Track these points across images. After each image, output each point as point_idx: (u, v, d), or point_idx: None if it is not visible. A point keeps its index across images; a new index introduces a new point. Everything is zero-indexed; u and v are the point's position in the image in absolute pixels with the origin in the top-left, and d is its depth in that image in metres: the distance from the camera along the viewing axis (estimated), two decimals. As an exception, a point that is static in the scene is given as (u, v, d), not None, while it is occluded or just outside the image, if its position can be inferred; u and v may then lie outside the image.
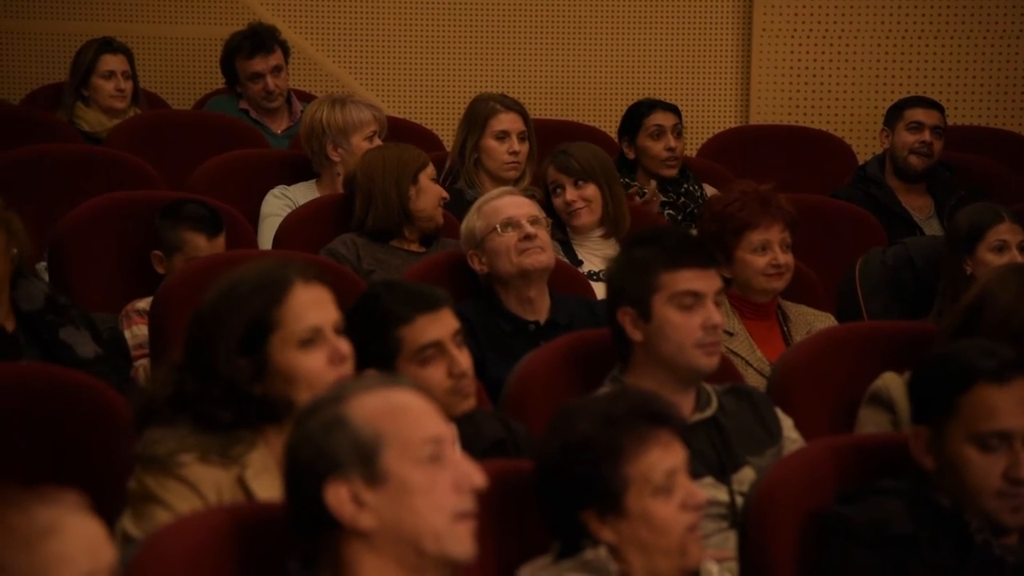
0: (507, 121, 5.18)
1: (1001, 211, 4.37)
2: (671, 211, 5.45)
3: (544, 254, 4.05)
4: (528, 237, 4.03)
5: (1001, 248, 4.29)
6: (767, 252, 4.12)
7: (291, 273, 2.66)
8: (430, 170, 4.64)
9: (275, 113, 6.13)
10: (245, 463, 2.59)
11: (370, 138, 5.08)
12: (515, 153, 5.15)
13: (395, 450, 2.22)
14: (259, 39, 6.05)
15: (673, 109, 5.67)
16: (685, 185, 5.56)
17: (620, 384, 3.21)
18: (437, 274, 4.16)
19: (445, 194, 4.67)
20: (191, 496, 2.55)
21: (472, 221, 4.14)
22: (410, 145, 4.77)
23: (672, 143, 5.56)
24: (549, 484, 2.56)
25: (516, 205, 4.11)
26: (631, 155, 5.59)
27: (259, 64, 6.04)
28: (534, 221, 4.08)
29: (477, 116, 5.19)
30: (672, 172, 5.54)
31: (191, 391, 2.61)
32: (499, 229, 4.05)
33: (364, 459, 2.21)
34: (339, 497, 2.21)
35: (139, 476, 2.59)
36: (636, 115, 5.63)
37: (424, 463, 2.22)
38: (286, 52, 6.12)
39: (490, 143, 5.15)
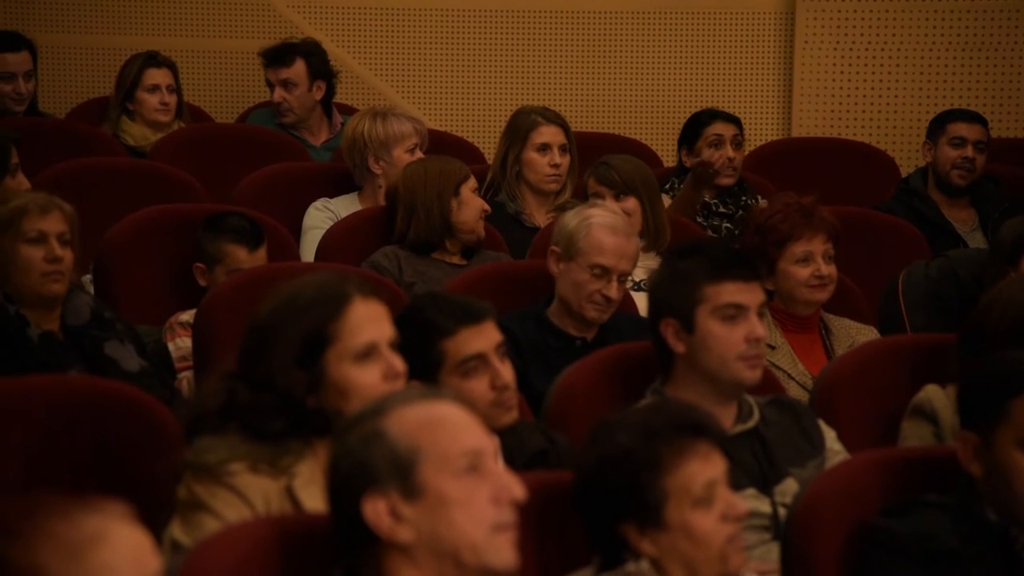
0: (548, 134, 5.19)
1: None
2: (729, 224, 5.45)
3: (610, 311, 4.02)
4: (607, 299, 3.99)
5: None
6: (810, 263, 4.11)
7: (350, 288, 2.68)
8: (472, 182, 4.65)
9: (312, 125, 6.15)
10: (294, 473, 2.61)
11: (411, 151, 5.10)
12: (556, 166, 5.16)
13: (432, 463, 2.23)
14: (277, 52, 6.09)
15: (734, 120, 5.68)
16: (744, 198, 5.56)
17: (661, 396, 3.21)
18: (480, 286, 4.16)
19: (487, 207, 4.67)
20: (240, 505, 2.56)
21: (578, 231, 4.03)
22: (452, 158, 4.78)
23: (731, 153, 5.57)
24: (588, 497, 2.55)
25: (619, 255, 4.00)
26: (688, 163, 5.60)
27: (271, 75, 6.09)
28: (623, 279, 4.04)
29: (519, 129, 5.20)
30: (730, 181, 5.55)
31: (243, 400, 2.63)
32: (589, 269, 3.99)
33: (401, 473, 2.22)
34: (377, 511, 2.23)
35: (189, 484, 2.61)
36: (697, 124, 5.65)
37: (462, 476, 2.23)
38: (314, 66, 6.06)
39: (531, 156, 5.16)
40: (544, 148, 5.16)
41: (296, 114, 6.09)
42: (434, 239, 4.59)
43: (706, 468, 2.50)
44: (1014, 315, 3.32)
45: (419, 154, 5.08)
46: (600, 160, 4.86)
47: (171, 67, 6.06)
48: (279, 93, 6.06)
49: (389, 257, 4.56)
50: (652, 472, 2.48)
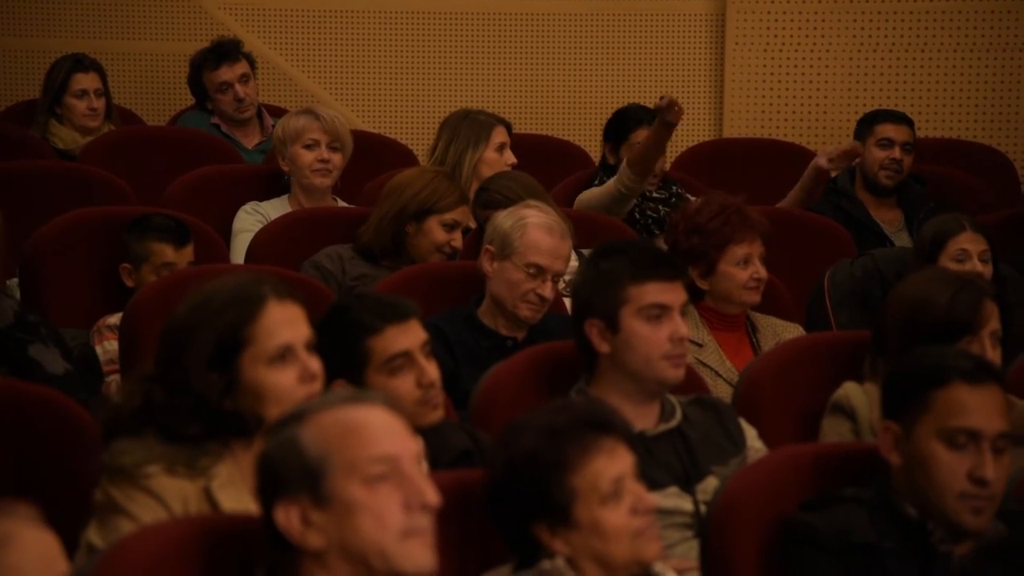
0: (503, 133, 5.22)
1: (964, 221, 4.40)
2: (665, 208, 5.44)
3: (543, 310, 4.02)
4: (542, 298, 4.00)
5: (961, 258, 4.32)
6: (749, 265, 4.15)
7: (265, 289, 2.68)
8: (449, 216, 4.56)
9: (246, 127, 6.14)
10: (211, 475, 2.61)
11: (310, 146, 5.09)
12: (512, 165, 5.17)
13: (340, 471, 2.24)
14: (223, 49, 6.08)
15: None
16: (674, 187, 5.57)
17: (585, 395, 3.23)
18: (410, 287, 4.16)
19: (455, 244, 4.58)
20: (156, 507, 2.56)
21: (514, 230, 4.03)
22: (454, 183, 4.66)
23: None
24: (498, 500, 2.57)
25: (555, 255, 4.01)
26: (612, 161, 5.59)
27: (226, 73, 6.05)
28: (557, 280, 4.05)
29: (481, 128, 5.19)
30: (652, 187, 5.56)
31: (159, 403, 2.63)
32: (524, 268, 3.99)
33: (310, 480, 2.25)
34: (289, 517, 2.25)
35: (105, 487, 2.60)
36: (623, 126, 5.58)
37: (372, 482, 2.24)
38: (252, 63, 6.13)
39: (492, 155, 5.17)
40: (502, 147, 5.19)
41: (254, 107, 6.10)
42: (380, 250, 4.57)
43: (612, 464, 2.51)
44: (907, 311, 3.40)
45: (322, 151, 5.06)
46: (480, 187, 4.83)
47: (98, 70, 6.02)
48: (240, 90, 6.04)
49: (332, 258, 4.54)
50: (559, 472, 2.50)
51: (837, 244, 5.23)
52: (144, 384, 2.66)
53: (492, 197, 4.67)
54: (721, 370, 4.09)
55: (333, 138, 5.11)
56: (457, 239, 4.61)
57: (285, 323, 2.66)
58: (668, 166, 5.71)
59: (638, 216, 5.44)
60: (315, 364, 2.68)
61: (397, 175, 4.71)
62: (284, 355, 2.65)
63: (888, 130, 5.73)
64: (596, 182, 5.61)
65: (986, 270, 4.27)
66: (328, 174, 5.09)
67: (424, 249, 4.58)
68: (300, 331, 2.68)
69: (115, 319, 4.24)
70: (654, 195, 5.54)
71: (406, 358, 3.06)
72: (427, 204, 4.56)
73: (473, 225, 5.01)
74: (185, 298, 2.70)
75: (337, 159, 5.11)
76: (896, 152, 5.71)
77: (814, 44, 7.00)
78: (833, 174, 5.59)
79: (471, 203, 4.79)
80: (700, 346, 4.09)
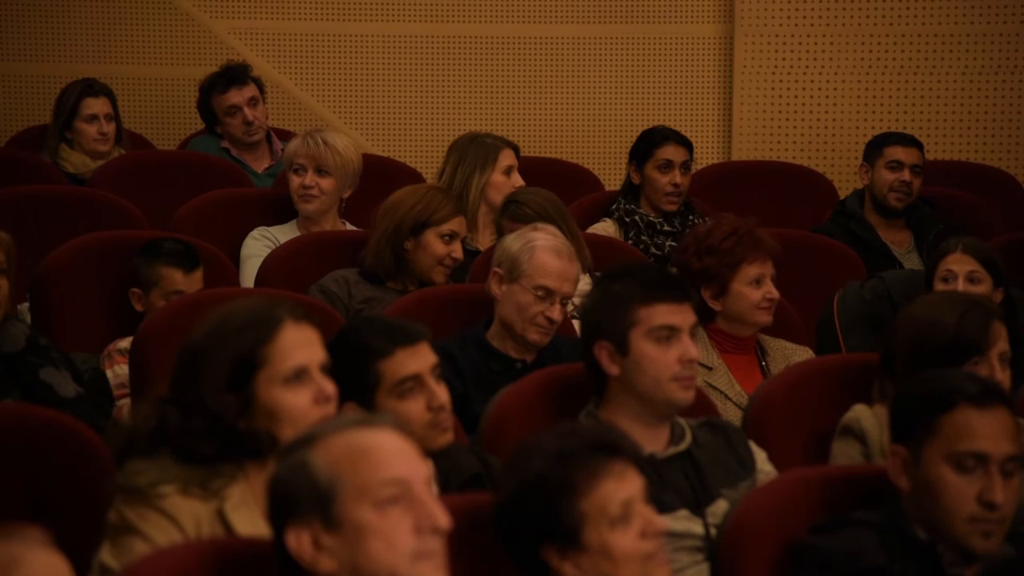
0: (511, 156, 5.23)
1: (960, 242, 4.41)
2: (673, 243, 5.45)
3: (551, 333, 4.03)
4: (550, 320, 4.00)
5: (947, 279, 4.34)
6: (762, 285, 4.16)
7: (281, 312, 2.70)
8: (446, 228, 4.56)
9: (256, 151, 6.15)
10: (225, 496, 2.62)
11: (297, 171, 5.10)
12: (520, 187, 5.18)
13: (351, 494, 2.26)
14: (232, 73, 6.10)
15: (686, 143, 5.65)
16: (691, 217, 5.58)
17: (595, 419, 3.23)
18: (419, 310, 4.17)
19: (456, 255, 4.58)
20: (170, 528, 2.57)
21: (522, 253, 4.04)
22: (448, 196, 4.67)
23: (678, 179, 5.56)
24: (508, 524, 2.57)
25: (563, 278, 4.02)
26: (637, 181, 5.61)
27: (235, 96, 6.07)
28: (566, 302, 4.05)
29: (488, 152, 5.20)
30: (673, 207, 5.56)
31: (174, 424, 2.64)
32: (533, 291, 4.00)
33: (321, 504, 2.26)
34: (299, 541, 2.26)
35: (119, 507, 2.61)
36: (649, 143, 5.62)
37: (383, 505, 2.26)
38: (261, 87, 6.15)
39: (499, 178, 5.17)
40: (509, 170, 5.20)
41: (263, 130, 6.12)
42: (383, 271, 4.57)
43: (621, 487, 2.51)
44: (915, 332, 3.40)
45: (307, 176, 5.07)
46: (507, 200, 4.84)
47: (109, 95, 6.05)
48: (249, 113, 6.06)
49: (339, 282, 4.55)
50: (568, 496, 2.49)
51: (846, 266, 5.23)
52: (159, 406, 2.68)
53: (523, 211, 4.69)
54: (731, 393, 4.10)
55: (319, 163, 5.09)
56: (457, 250, 4.61)
57: (301, 345, 2.68)
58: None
59: (654, 251, 5.45)
60: (330, 386, 2.69)
61: (391, 195, 4.71)
62: (299, 376, 2.67)
63: (897, 152, 5.74)
64: (613, 207, 5.59)
65: (976, 290, 4.27)
66: (311, 199, 5.08)
67: (425, 264, 4.58)
68: (315, 353, 2.70)
69: (125, 343, 4.25)
70: (665, 228, 5.54)
71: (416, 381, 3.06)
72: (422, 218, 4.57)
73: (481, 246, 5.02)
74: (202, 320, 2.72)
75: (326, 184, 5.08)
76: (905, 174, 5.72)
77: (822, 68, 7.01)
78: None
79: (498, 216, 4.81)
80: (710, 369, 4.09)
